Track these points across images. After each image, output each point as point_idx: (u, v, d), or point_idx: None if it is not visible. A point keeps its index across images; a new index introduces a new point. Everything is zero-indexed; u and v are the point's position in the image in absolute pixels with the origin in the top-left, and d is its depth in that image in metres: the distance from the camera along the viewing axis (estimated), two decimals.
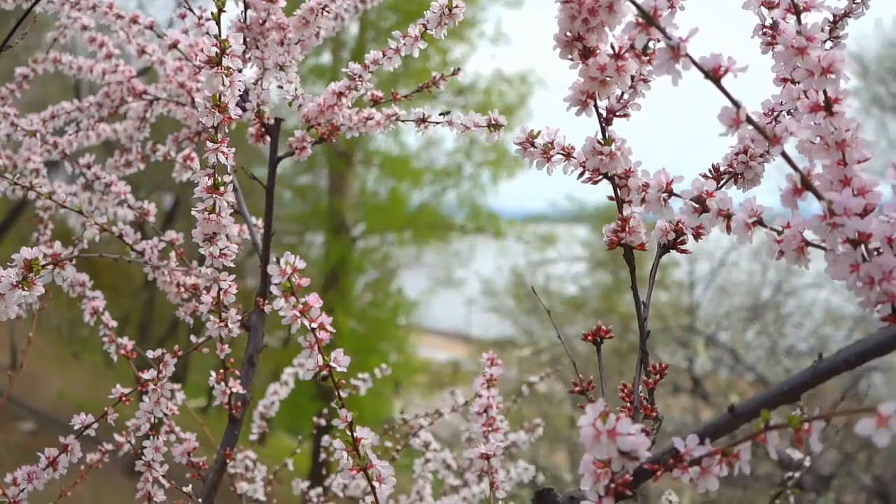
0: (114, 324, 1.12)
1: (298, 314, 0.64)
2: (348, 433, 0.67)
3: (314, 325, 0.64)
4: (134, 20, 1.11)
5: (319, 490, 1.40)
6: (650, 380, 0.66)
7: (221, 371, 0.99)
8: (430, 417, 1.40)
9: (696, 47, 0.54)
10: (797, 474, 1.12)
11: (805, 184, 0.53)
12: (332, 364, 0.65)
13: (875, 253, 0.54)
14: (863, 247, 0.54)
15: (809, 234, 0.56)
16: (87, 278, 1.16)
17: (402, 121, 1.00)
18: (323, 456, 1.43)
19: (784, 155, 0.53)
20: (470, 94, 10.69)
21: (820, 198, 0.53)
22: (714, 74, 0.52)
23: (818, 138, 0.56)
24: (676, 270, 9.31)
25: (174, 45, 1.06)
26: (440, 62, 11.50)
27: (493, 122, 0.88)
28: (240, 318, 0.93)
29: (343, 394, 1.47)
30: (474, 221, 11.75)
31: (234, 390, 1.00)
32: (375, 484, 0.67)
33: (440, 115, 0.99)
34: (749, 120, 0.52)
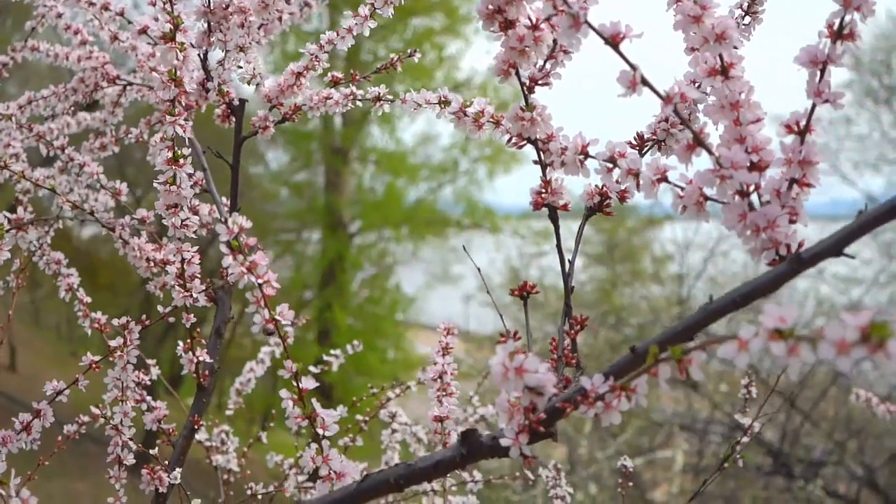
0: (88, 300, 1.17)
1: (245, 271, 0.68)
2: (294, 384, 0.71)
3: (261, 280, 0.69)
4: (105, 7, 1.16)
5: (291, 461, 1.46)
6: (572, 331, 0.70)
7: (189, 341, 1.04)
8: (398, 390, 1.45)
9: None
10: (745, 439, 1.17)
11: (697, 141, 0.58)
12: (278, 318, 0.70)
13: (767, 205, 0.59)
14: (756, 198, 0.59)
15: (709, 191, 0.61)
16: (62, 256, 1.20)
17: (360, 100, 1.05)
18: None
19: (677, 114, 0.58)
20: (465, 90, 10.73)
21: (710, 153, 0.57)
22: (613, 41, 0.57)
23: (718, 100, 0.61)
24: (672, 265, 9.36)
25: (144, 31, 1.11)
26: (436, 58, 11.56)
27: (443, 99, 0.93)
28: (204, 288, 0.98)
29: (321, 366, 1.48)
30: (471, 217, 11.80)
31: (201, 359, 1.05)
32: (320, 431, 0.71)
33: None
34: (644, 81, 0.56)
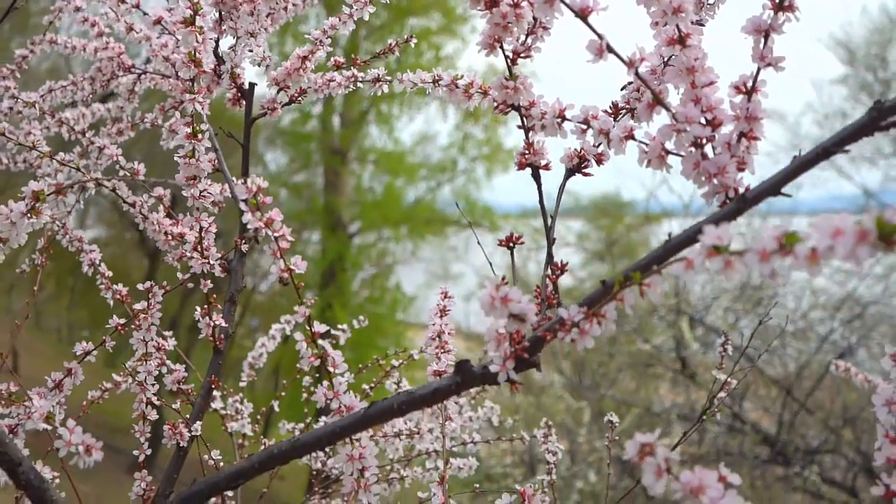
0: (109, 273, 1.25)
1: (263, 225, 0.77)
2: (307, 327, 0.80)
3: (277, 234, 0.77)
4: (121, 0, 1.25)
5: (302, 426, 1.54)
6: (554, 276, 0.79)
7: (206, 306, 1.12)
8: (402, 358, 1.54)
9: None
10: (722, 394, 1.25)
11: (656, 100, 0.66)
12: (293, 267, 0.78)
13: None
14: (710, 150, 0.68)
15: (670, 146, 0.70)
16: (83, 234, 1.29)
17: (360, 82, 1.14)
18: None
19: (638, 76, 0.66)
20: None
21: (668, 110, 0.66)
22: (582, 13, 0.65)
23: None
24: None
25: (158, 21, 1.19)
26: (433, 57, 11.67)
27: (436, 78, 1.01)
28: (220, 256, 1.06)
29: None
30: (470, 216, 11.89)
31: (217, 324, 1.13)
32: (331, 369, 0.80)
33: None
34: (609, 49, 0.65)
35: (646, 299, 0.61)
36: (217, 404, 1.45)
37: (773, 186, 0.61)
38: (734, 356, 1.31)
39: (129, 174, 1.27)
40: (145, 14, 1.25)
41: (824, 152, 0.60)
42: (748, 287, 7.45)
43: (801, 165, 0.61)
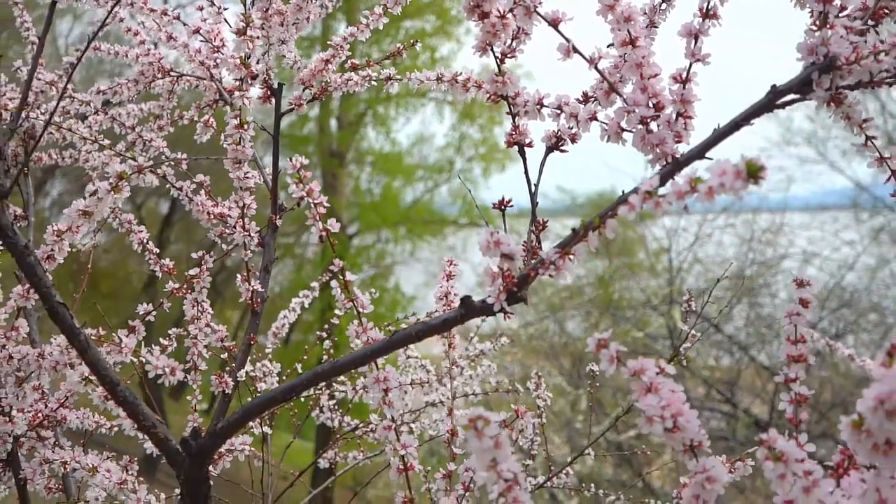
0: (157, 250, 1.44)
1: (305, 194, 0.97)
2: (341, 277, 1.00)
3: (316, 202, 0.97)
4: (164, 13, 1.44)
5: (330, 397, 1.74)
6: (537, 230, 0.98)
7: (245, 273, 1.31)
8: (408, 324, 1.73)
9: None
10: (688, 345, 1.44)
11: (612, 88, 0.86)
12: (329, 227, 0.98)
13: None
14: (655, 126, 0.87)
15: (624, 124, 0.89)
16: (133, 217, 1.48)
17: (374, 81, 1.33)
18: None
19: (598, 71, 0.86)
20: None
21: (620, 96, 0.86)
22: (553, 23, 0.85)
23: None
24: (666, 257, 9.68)
25: (197, 31, 1.39)
26: (428, 59, 11.87)
27: (439, 76, 1.21)
28: (259, 229, 1.26)
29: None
30: (467, 216, 12.09)
31: (255, 289, 1.33)
32: (360, 309, 1.00)
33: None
34: (575, 50, 0.85)
35: (604, 236, 0.81)
36: (247, 367, 1.65)
37: (699, 152, 0.81)
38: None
39: (173, 162, 1.46)
40: (185, 25, 1.44)
41: (735, 125, 0.80)
42: (740, 278, 7.66)
43: (719, 136, 0.81)
